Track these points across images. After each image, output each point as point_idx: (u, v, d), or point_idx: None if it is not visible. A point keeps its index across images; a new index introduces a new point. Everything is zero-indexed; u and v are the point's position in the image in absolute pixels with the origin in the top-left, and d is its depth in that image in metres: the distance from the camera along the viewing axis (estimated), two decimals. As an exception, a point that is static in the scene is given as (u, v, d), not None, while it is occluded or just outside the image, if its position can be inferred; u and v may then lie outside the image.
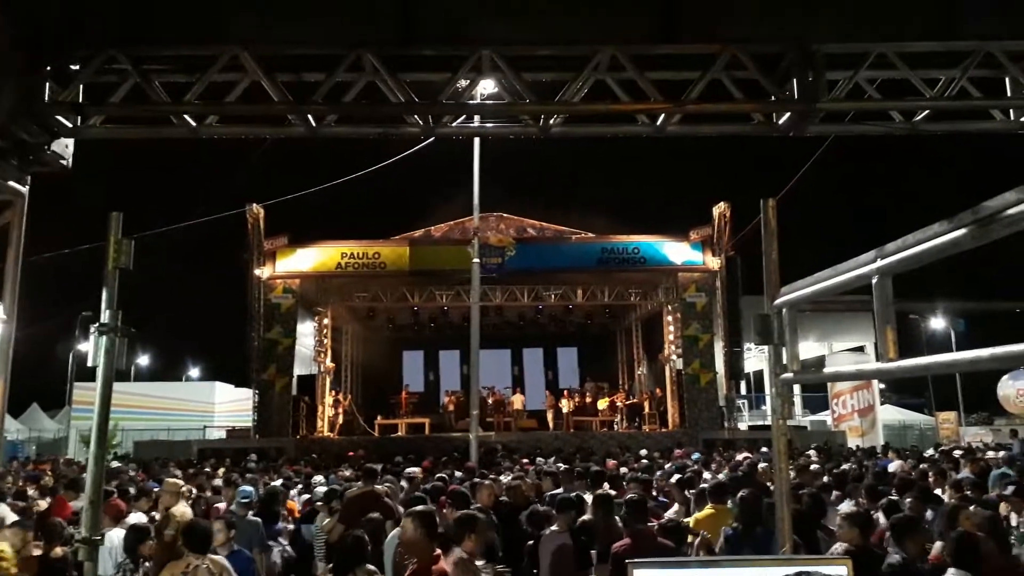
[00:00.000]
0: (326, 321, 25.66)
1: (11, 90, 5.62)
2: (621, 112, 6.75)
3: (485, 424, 21.27)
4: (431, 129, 6.85)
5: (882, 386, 31.50)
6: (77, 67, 6.14)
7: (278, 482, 11.02)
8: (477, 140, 16.32)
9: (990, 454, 16.73)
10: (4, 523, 6.26)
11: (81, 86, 6.21)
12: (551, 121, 6.73)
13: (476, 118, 7.11)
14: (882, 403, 31.99)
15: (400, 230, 24.94)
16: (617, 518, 6.27)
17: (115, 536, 6.49)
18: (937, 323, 38.28)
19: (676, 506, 7.74)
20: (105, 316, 4.60)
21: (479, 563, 4.86)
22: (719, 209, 23.33)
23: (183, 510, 7.22)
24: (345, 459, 16.17)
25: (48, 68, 6.00)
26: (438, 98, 6.39)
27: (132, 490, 9.12)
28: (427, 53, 6.39)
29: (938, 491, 8.48)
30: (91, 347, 4.63)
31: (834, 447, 20.41)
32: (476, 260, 17.59)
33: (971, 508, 6.51)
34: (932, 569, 5.00)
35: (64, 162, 6.38)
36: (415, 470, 10.62)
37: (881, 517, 7.34)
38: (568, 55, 6.41)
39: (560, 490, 8.37)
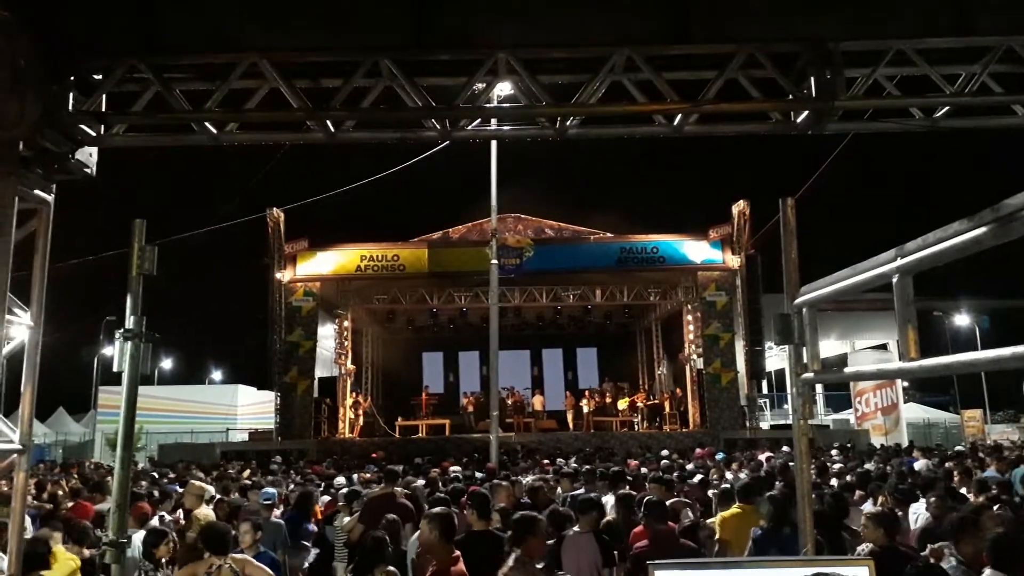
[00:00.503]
0: (346, 323, 25.83)
1: (35, 100, 5.70)
2: (638, 113, 6.72)
3: (505, 425, 21.29)
4: (448, 133, 6.86)
5: (906, 384, 31.18)
6: (100, 76, 6.21)
7: (301, 484, 11.16)
8: (494, 143, 16.37)
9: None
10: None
11: (104, 95, 6.29)
12: (568, 123, 6.72)
13: (493, 121, 7.11)
14: (906, 401, 31.69)
15: (418, 232, 25.11)
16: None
17: (139, 538, 6.58)
18: (961, 320, 37.82)
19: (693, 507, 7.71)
20: (130, 322, 4.67)
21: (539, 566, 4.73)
22: (738, 207, 23.21)
23: (206, 512, 7.30)
24: (366, 460, 16.27)
25: (71, 78, 6.09)
26: (455, 102, 6.40)
27: (156, 493, 9.23)
28: (443, 57, 6.40)
29: (963, 490, 8.39)
30: (116, 352, 4.71)
31: (858, 446, 20.25)
32: (494, 261, 17.64)
33: (994, 508, 6.44)
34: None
35: (88, 170, 6.46)
36: (456, 469, 10.93)
37: (912, 516, 7.28)
38: (584, 57, 6.39)
39: (581, 491, 8.37)
